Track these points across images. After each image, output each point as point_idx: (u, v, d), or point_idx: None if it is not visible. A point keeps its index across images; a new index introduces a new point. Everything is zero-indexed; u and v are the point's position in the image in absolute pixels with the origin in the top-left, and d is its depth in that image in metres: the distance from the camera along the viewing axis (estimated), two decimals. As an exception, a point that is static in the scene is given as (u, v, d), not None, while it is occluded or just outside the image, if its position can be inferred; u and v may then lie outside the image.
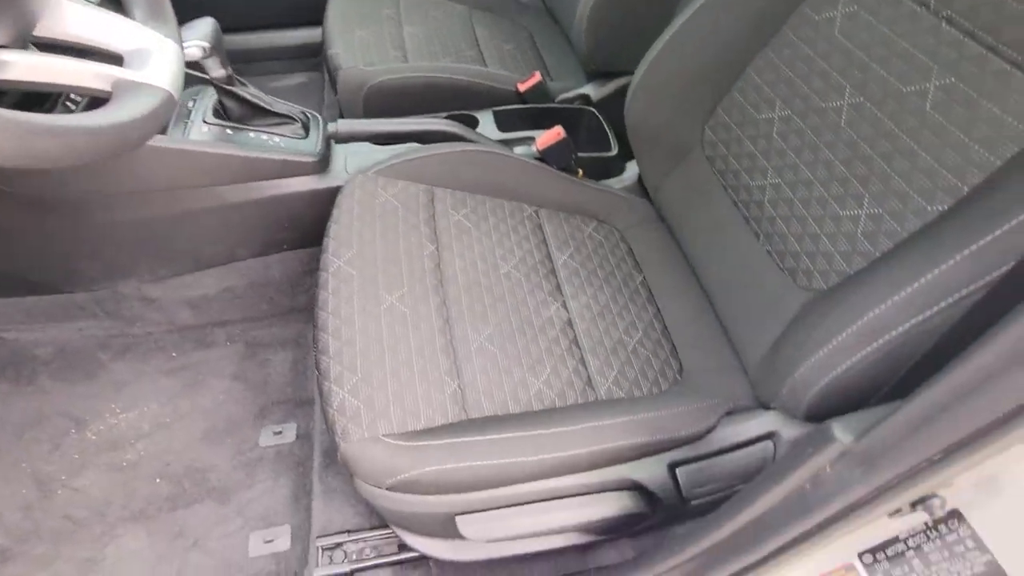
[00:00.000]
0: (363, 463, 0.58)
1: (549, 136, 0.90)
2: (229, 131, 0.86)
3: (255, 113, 0.87)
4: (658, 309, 0.80)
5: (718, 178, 0.79)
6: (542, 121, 1.09)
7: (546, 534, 0.64)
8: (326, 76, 1.17)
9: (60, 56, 0.52)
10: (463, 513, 0.61)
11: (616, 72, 1.12)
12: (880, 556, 0.42)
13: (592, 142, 1.08)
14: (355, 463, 0.58)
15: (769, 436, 0.67)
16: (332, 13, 1.24)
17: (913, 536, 0.40)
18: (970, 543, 0.36)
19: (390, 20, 1.21)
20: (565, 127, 1.12)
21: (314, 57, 1.50)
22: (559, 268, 0.82)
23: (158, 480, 0.86)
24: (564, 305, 0.77)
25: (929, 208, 0.54)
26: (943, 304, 0.47)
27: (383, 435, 0.58)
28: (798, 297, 0.65)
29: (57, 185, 0.81)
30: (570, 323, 0.75)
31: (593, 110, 1.08)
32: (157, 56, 0.57)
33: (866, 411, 0.38)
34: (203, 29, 0.75)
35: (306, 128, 0.91)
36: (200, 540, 0.82)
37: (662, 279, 0.84)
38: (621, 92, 1.12)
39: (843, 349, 0.53)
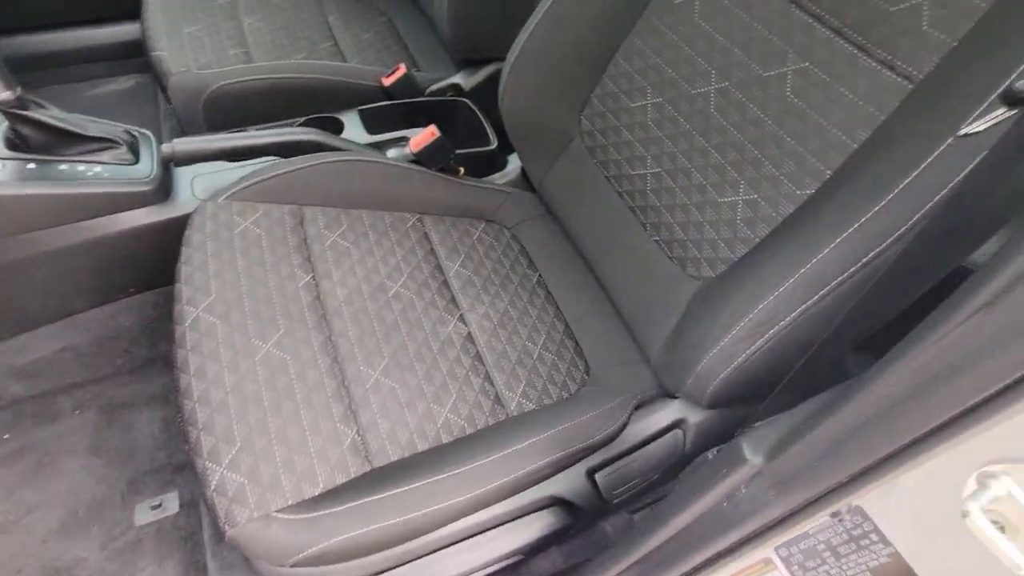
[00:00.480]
0: (257, 546, 0.51)
1: (423, 137, 0.83)
2: (32, 165, 0.71)
3: (63, 140, 0.72)
4: (558, 308, 0.79)
5: (600, 169, 0.77)
6: (414, 117, 1.02)
7: (473, 572, 0.60)
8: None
9: None
10: (381, 572, 0.56)
11: (487, 58, 1.07)
12: (794, 549, 0.43)
13: (470, 136, 1.03)
14: (248, 547, 0.51)
15: (678, 424, 0.68)
16: (152, 4, 1.06)
17: (822, 531, 0.41)
18: (874, 536, 0.38)
19: (225, 11, 1.06)
20: (439, 122, 1.05)
21: (141, 56, 1.30)
22: (452, 279, 0.77)
23: (10, 591, 0.72)
24: (462, 319, 0.73)
25: (799, 192, 0.55)
26: (824, 291, 0.48)
27: (276, 511, 0.51)
28: (690, 286, 0.65)
29: None
30: (471, 338, 0.71)
31: (467, 101, 1.03)
32: None
33: (774, 423, 0.37)
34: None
35: (134, 150, 0.78)
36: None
37: (559, 275, 0.82)
38: (494, 79, 1.07)
39: (739, 340, 0.53)
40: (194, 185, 0.80)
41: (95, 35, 1.28)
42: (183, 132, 0.97)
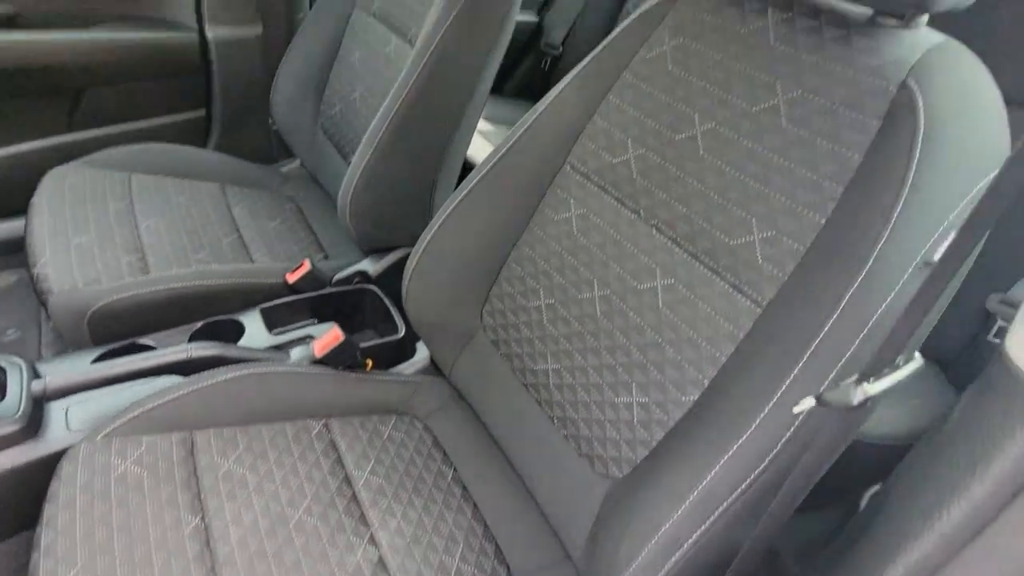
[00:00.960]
0: None
1: (327, 340, 0.83)
2: None
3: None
4: (475, 506, 0.76)
5: (505, 362, 0.80)
6: (319, 308, 1.02)
7: None
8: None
9: None
10: None
11: (393, 245, 1.11)
12: None
13: (377, 323, 1.04)
14: None
15: None
16: (37, 208, 1.03)
17: None
18: None
19: (120, 216, 1.05)
20: (345, 309, 1.06)
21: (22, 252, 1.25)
22: (360, 491, 0.73)
23: None
24: (372, 539, 0.68)
25: (684, 399, 0.59)
26: (721, 509, 0.50)
27: None
28: (600, 486, 0.65)
29: None
30: (382, 563, 0.66)
31: (374, 288, 1.05)
32: None
33: None
34: None
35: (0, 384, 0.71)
36: None
37: (475, 469, 0.80)
38: (401, 264, 1.11)
39: (654, 559, 0.53)
40: (69, 416, 0.73)
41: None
42: (65, 346, 0.91)
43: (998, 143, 0.46)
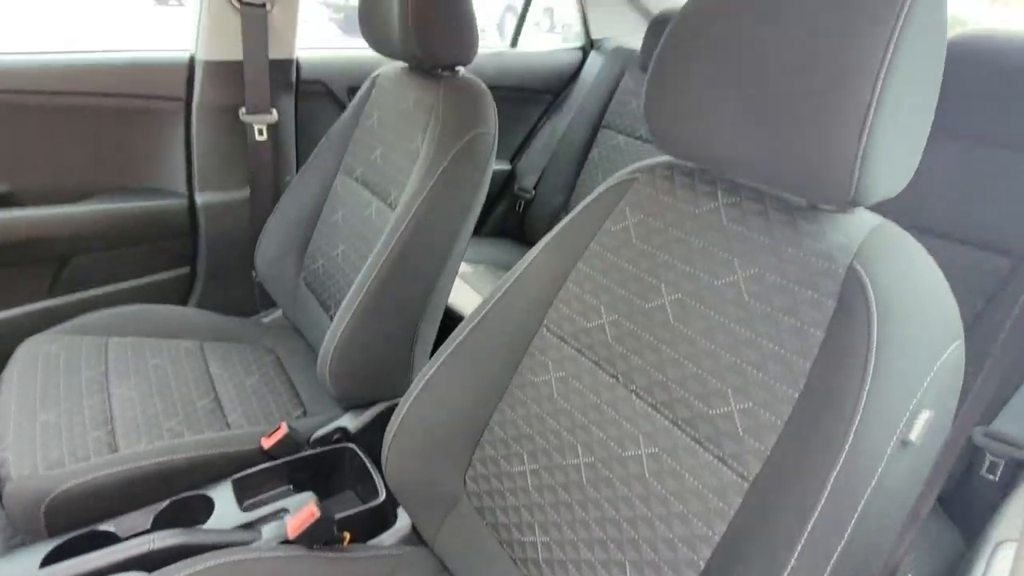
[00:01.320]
0: None
1: (301, 518, 0.78)
2: None
3: None
4: None
5: (492, 532, 0.75)
6: (296, 473, 0.98)
7: None
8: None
9: None
10: None
11: (374, 399, 1.10)
12: None
13: (356, 485, 1.00)
14: None
15: None
16: (7, 383, 1.00)
17: None
18: None
19: (92, 384, 1.03)
20: (323, 471, 1.02)
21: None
22: None
23: None
24: None
25: (681, 581, 0.56)
26: None
27: None
28: None
29: None
30: None
31: (353, 447, 1.01)
32: None
33: None
34: None
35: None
36: None
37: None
38: (383, 419, 1.09)
39: None
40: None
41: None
42: (16, 533, 0.84)
43: (950, 318, 0.49)
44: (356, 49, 1.60)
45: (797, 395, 0.51)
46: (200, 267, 1.47)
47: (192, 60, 1.35)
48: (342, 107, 1.56)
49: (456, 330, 0.78)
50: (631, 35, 1.98)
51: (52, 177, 1.29)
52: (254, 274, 1.37)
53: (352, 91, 1.54)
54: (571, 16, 2.11)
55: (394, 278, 0.98)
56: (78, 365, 1.06)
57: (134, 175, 1.39)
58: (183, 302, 1.51)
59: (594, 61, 1.96)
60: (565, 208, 1.83)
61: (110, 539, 0.80)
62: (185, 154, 1.40)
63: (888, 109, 0.44)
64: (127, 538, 0.77)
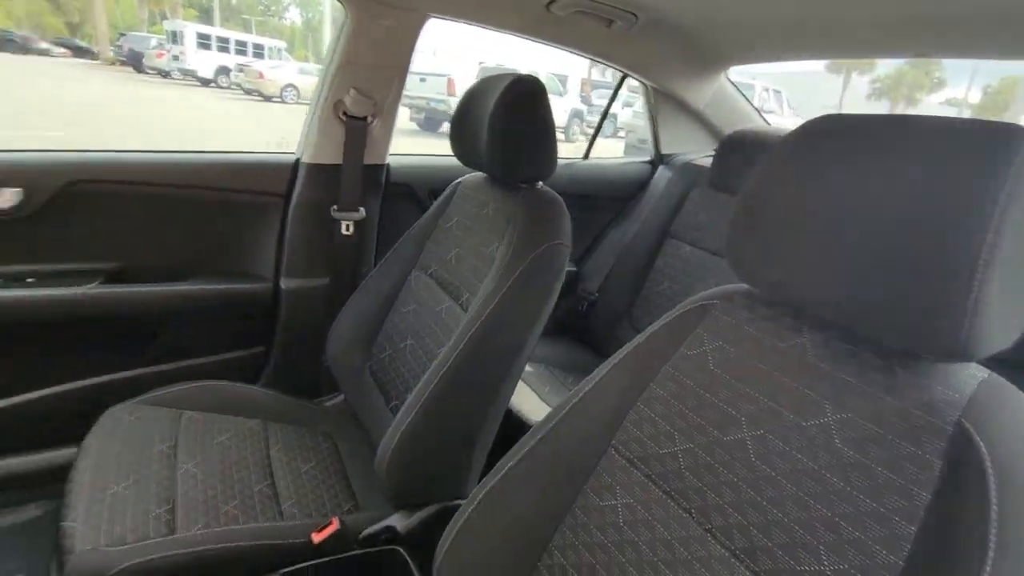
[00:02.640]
0: None
1: (344, 629, 0.75)
2: None
3: None
4: None
5: None
6: (342, 571, 0.95)
7: None
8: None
9: None
10: None
11: (425, 501, 1.07)
12: None
13: (401, 594, 0.95)
14: None
15: None
16: (86, 450, 1.05)
17: None
18: None
19: (162, 457, 1.06)
20: (369, 569, 0.98)
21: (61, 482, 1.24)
22: None
23: None
24: None
25: None
26: None
27: None
28: None
29: None
30: None
31: (400, 551, 0.98)
32: None
33: None
34: None
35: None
36: None
37: None
38: (431, 523, 1.05)
39: None
40: None
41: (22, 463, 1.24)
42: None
43: None
44: (440, 156, 1.73)
45: (902, 563, 0.46)
46: (275, 348, 1.53)
47: (297, 163, 1.50)
48: (423, 208, 1.67)
49: (522, 440, 0.76)
50: (698, 152, 2.05)
51: (157, 257, 1.43)
52: (324, 358, 1.42)
53: (434, 194, 1.65)
54: (626, 118, 2.20)
55: (460, 380, 0.98)
56: (152, 438, 1.10)
57: (229, 259, 1.51)
58: (255, 379, 1.57)
59: (662, 174, 2.02)
60: (628, 312, 1.82)
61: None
62: (277, 243, 1.51)
63: (1003, 258, 0.42)
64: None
